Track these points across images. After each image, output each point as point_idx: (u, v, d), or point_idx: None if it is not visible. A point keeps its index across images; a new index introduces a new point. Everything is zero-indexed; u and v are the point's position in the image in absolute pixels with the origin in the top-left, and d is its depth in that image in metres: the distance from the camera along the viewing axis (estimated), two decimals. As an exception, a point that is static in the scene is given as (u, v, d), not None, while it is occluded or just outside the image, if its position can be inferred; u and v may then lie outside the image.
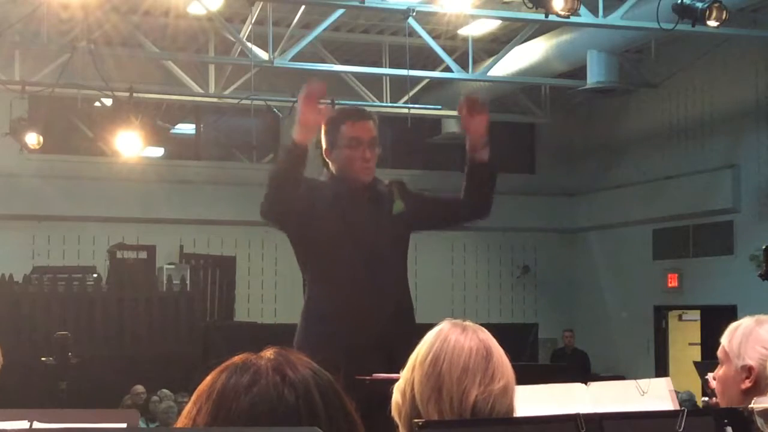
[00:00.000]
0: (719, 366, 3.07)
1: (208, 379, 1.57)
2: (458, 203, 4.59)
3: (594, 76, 12.57)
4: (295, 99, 14.37)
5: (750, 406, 2.53)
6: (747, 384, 2.96)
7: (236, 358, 1.59)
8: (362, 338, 4.18)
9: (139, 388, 11.71)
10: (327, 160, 4.46)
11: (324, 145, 4.44)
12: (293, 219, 4.36)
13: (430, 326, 2.52)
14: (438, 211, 4.70)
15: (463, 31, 13.41)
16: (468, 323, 2.50)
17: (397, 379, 2.51)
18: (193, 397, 1.56)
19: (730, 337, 3.05)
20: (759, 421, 2.62)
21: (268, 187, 4.26)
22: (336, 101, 13.53)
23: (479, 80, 13.73)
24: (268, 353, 1.60)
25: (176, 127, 16.64)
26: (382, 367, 3.84)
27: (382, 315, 4.33)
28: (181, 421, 1.55)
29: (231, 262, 15.01)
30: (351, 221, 4.39)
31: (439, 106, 14.87)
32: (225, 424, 1.50)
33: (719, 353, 3.08)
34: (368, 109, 14.46)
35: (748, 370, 2.96)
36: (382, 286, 4.37)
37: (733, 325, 3.07)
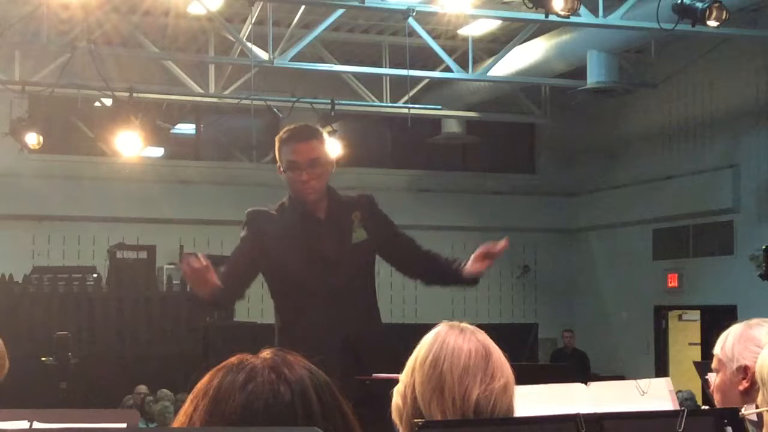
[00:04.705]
0: (715, 376, 3.08)
1: (205, 378, 1.58)
2: (414, 268, 4.69)
3: (594, 76, 12.56)
4: (295, 99, 14.41)
5: (741, 413, 2.53)
6: (745, 384, 2.96)
7: (233, 358, 1.60)
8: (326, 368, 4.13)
9: (142, 388, 11.70)
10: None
11: (278, 164, 4.53)
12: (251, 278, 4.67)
13: (429, 326, 2.52)
14: (395, 258, 4.71)
15: (463, 31, 13.41)
16: (465, 325, 2.51)
17: (397, 380, 2.51)
18: (190, 396, 1.57)
19: (722, 344, 3.06)
20: (750, 429, 2.63)
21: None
22: (336, 101, 13.57)
23: (479, 80, 13.73)
24: (265, 353, 1.61)
25: (176, 127, 16.63)
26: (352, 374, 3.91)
27: (344, 332, 4.34)
28: (178, 420, 1.56)
29: (231, 262, 14.98)
30: (309, 247, 4.45)
31: (439, 106, 14.86)
32: (221, 421, 1.50)
33: (714, 364, 3.09)
34: (368, 109, 14.57)
35: (744, 370, 2.96)
36: (343, 310, 4.38)
37: (723, 334, 3.09)
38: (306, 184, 4.41)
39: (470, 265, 4.47)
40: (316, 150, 4.46)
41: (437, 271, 4.65)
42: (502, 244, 4.47)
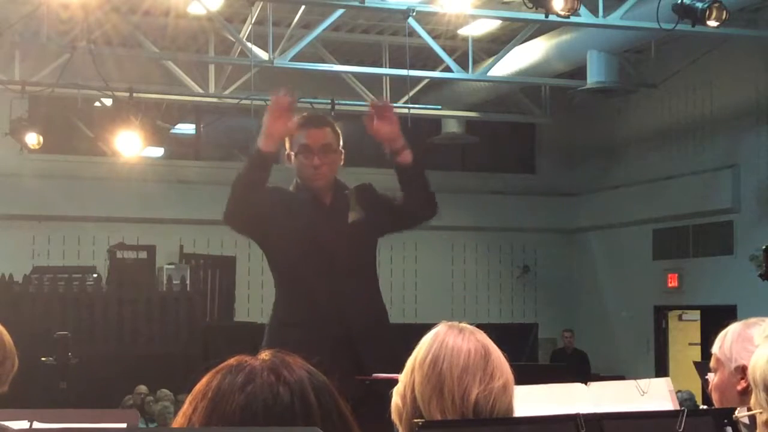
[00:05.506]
0: (714, 375, 3.07)
1: (204, 379, 1.58)
2: (402, 210, 4.57)
3: (594, 76, 12.57)
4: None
5: (734, 415, 2.53)
6: (743, 384, 2.96)
7: (231, 360, 1.60)
8: (326, 347, 4.07)
9: (142, 388, 11.71)
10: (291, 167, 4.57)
11: (287, 150, 4.54)
12: (255, 226, 4.46)
13: (429, 326, 2.52)
14: (390, 218, 4.64)
15: (463, 31, 13.41)
16: (464, 325, 2.51)
17: (397, 380, 2.51)
18: (189, 398, 1.57)
19: (720, 344, 3.06)
20: (744, 431, 2.63)
21: (231, 193, 4.33)
22: (336, 101, 13.57)
23: (479, 80, 13.72)
24: (264, 355, 1.61)
25: (176, 127, 16.64)
26: (351, 373, 3.93)
27: (345, 322, 4.35)
28: (178, 421, 1.56)
29: (231, 262, 15.00)
30: (312, 230, 4.44)
31: (439, 106, 14.87)
32: (220, 423, 1.50)
33: (712, 363, 3.08)
34: (368, 109, 14.54)
35: (742, 370, 2.96)
36: (344, 294, 4.39)
37: (721, 333, 3.08)
38: (317, 169, 4.44)
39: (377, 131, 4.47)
40: (329, 136, 4.50)
41: (404, 204, 4.57)
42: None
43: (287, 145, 4.53)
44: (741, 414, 2.60)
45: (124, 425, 2.35)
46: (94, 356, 11.88)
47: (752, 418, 2.63)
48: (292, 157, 4.49)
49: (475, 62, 13.45)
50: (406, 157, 4.46)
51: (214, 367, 1.60)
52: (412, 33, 11.76)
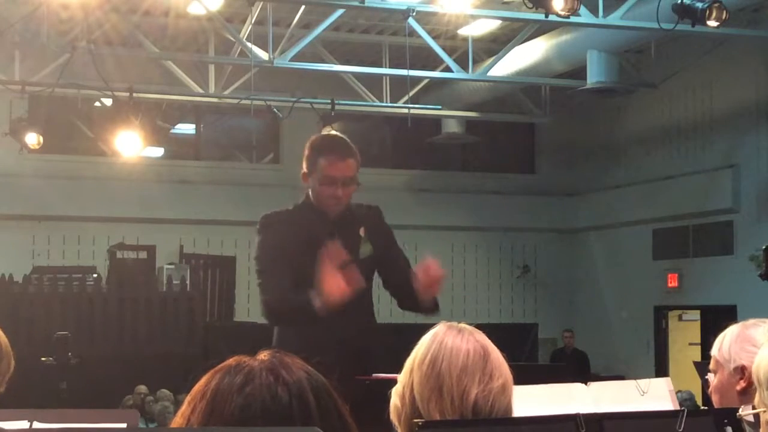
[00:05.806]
0: (713, 376, 3.08)
1: (203, 380, 1.58)
2: (401, 296, 4.66)
3: (594, 76, 12.56)
4: (295, 99, 14.40)
5: (738, 413, 2.53)
6: (742, 384, 2.96)
7: (230, 360, 1.60)
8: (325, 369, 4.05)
9: (142, 388, 11.71)
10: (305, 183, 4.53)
11: (304, 168, 4.48)
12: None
13: (429, 326, 2.52)
14: (387, 280, 4.68)
15: (463, 31, 13.41)
16: (463, 325, 2.51)
17: (396, 380, 2.51)
18: (188, 398, 1.57)
19: (719, 345, 3.07)
20: (747, 429, 2.63)
21: (275, 313, 4.39)
22: (336, 101, 13.56)
23: (479, 80, 13.73)
24: (263, 355, 1.61)
25: (176, 127, 16.64)
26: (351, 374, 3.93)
27: (346, 347, 4.35)
28: (176, 422, 1.56)
29: (231, 262, 15.00)
30: (317, 256, 4.40)
31: (439, 106, 14.87)
32: (219, 423, 1.50)
33: (711, 365, 3.09)
34: (368, 109, 14.55)
35: (741, 370, 2.97)
36: (344, 325, 4.36)
37: (720, 335, 3.09)
38: (338, 200, 4.43)
39: (422, 294, 4.56)
40: (353, 168, 4.47)
41: (406, 296, 4.64)
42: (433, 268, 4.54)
43: (304, 165, 4.46)
44: (745, 413, 2.61)
45: (124, 425, 2.35)
46: (94, 356, 11.88)
47: (756, 416, 2.64)
48: (309, 177, 4.43)
49: (475, 62, 13.45)
50: (431, 310, 4.65)
51: (214, 367, 1.60)
52: (412, 33, 11.76)
